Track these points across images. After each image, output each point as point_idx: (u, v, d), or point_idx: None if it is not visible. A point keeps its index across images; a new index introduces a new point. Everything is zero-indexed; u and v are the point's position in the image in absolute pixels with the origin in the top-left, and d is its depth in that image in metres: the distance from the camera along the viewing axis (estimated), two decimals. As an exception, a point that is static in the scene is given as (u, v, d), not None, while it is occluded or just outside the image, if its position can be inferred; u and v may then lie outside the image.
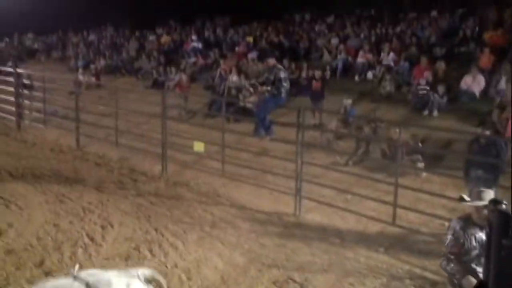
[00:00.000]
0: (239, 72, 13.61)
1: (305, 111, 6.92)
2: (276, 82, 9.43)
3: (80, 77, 15.25)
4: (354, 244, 5.57)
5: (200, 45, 18.75)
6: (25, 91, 11.99)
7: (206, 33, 20.77)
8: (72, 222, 6.14)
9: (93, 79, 16.31)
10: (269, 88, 9.38)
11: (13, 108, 12.04)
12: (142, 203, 6.89)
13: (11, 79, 12.38)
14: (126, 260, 5.15)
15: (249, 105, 10.83)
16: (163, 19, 23.71)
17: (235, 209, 6.76)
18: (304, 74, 13.06)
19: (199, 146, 8.19)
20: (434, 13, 17.00)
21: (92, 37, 24.05)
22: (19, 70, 12.73)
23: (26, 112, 11.91)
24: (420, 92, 10.91)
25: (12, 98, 12.09)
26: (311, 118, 10.15)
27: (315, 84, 11.89)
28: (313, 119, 10.35)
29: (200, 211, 6.67)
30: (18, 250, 5.31)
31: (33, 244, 5.47)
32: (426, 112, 10.57)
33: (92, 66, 18.57)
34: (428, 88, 10.87)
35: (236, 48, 17.47)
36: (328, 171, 7.46)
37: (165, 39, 21.02)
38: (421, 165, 7.93)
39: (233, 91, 12.27)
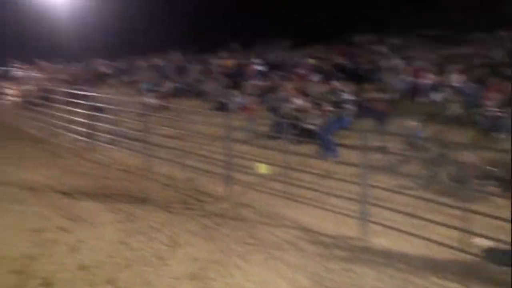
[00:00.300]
0: (302, 94, 13.67)
1: (369, 133, 6.85)
2: (339, 104, 9.43)
3: (148, 100, 15.74)
4: (423, 271, 5.41)
5: (263, 68, 18.99)
6: (96, 113, 12.51)
7: (269, 56, 21.02)
8: (141, 241, 6.31)
9: (159, 101, 16.79)
10: (332, 109, 9.40)
11: (85, 130, 12.59)
12: (208, 224, 6.98)
13: (83, 102, 12.99)
14: (193, 280, 5.23)
15: (312, 127, 10.82)
16: (226, 42, 24.24)
17: (299, 231, 6.73)
18: (367, 96, 12.96)
19: (263, 168, 8.26)
20: (502, 32, 16.54)
21: (158, 61, 24.83)
22: (91, 93, 13.33)
23: (97, 133, 12.40)
24: (490, 113, 10.59)
25: (84, 120, 12.67)
26: (375, 140, 10.02)
27: (379, 106, 11.78)
28: (377, 141, 10.21)
29: (264, 232, 6.69)
30: (90, 267, 5.49)
31: (104, 261, 5.64)
32: (496, 134, 10.24)
33: (159, 89, 19.16)
34: (498, 109, 10.53)
35: (299, 70, 17.57)
36: (394, 194, 7.30)
37: (228, 62, 21.42)
38: (493, 189, 7.65)
39: (296, 113, 12.31)
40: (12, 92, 22.97)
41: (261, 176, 8.54)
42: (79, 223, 6.98)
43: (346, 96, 9.54)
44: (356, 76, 15.36)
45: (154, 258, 5.79)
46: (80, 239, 6.33)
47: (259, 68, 19.05)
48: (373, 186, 6.71)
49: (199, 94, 18.00)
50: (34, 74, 25.73)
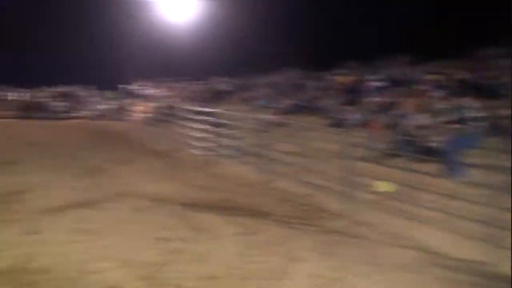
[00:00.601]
0: (424, 110, 13.20)
1: (498, 151, 6.45)
2: (464, 121, 8.98)
3: (265, 116, 16.02)
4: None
5: (381, 84, 18.61)
6: (217, 129, 12.97)
7: (388, 72, 20.54)
8: (260, 255, 6.37)
9: (277, 118, 17.01)
10: (457, 126, 8.96)
11: (206, 145, 13.10)
12: (326, 240, 6.92)
13: (204, 118, 13.54)
14: (309, 297, 5.19)
15: (435, 144, 10.38)
16: (342, 59, 24.08)
17: (421, 253, 6.47)
18: (496, 113, 12.19)
19: (382, 186, 8.05)
20: None
21: (276, 78, 25.20)
22: (211, 110, 13.86)
23: (218, 148, 12.83)
24: None
25: (205, 136, 13.18)
26: (505, 159, 9.38)
27: (509, 123, 11.04)
28: (507, 161, 9.54)
29: (385, 252, 6.50)
30: (213, 277, 5.63)
31: (225, 273, 5.77)
32: None
33: (276, 106, 19.46)
34: None
35: (420, 86, 16.99)
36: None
37: (345, 78, 21.24)
38: None
39: (418, 130, 11.88)
40: (137, 109, 24.48)
41: (381, 194, 8.32)
42: (201, 234, 7.21)
43: (472, 112, 9.05)
44: (482, 92, 14.52)
45: (273, 273, 5.82)
46: (202, 250, 6.52)
47: (377, 84, 18.69)
48: (504, 209, 6.28)
49: (316, 111, 17.99)
50: (158, 92, 27.27)
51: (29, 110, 24.84)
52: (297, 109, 18.90)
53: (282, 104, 19.68)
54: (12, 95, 26.09)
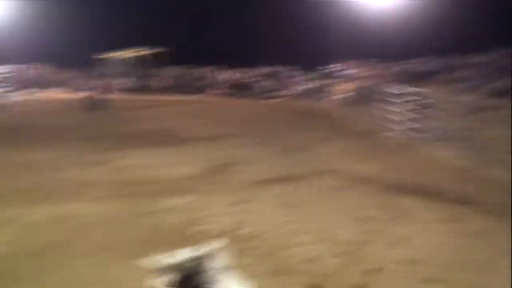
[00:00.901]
0: None
1: None
2: None
3: (472, 98, 15.06)
4: None
5: None
6: (418, 111, 12.56)
7: None
8: (463, 245, 6.13)
9: (485, 100, 15.89)
10: None
11: (407, 126, 12.77)
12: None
13: (404, 99, 13.20)
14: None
15: None
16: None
17: None
18: None
19: None
20: None
21: (485, 58, 23.45)
22: (411, 91, 13.46)
23: (419, 130, 12.43)
24: None
25: (406, 117, 12.85)
26: None
27: None
28: None
29: None
30: (411, 262, 5.55)
31: (424, 259, 5.64)
32: None
33: (484, 87, 18.17)
34: None
35: None
36: None
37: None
38: None
39: None
40: (338, 90, 24.70)
41: None
42: (401, 218, 7.14)
43: None
44: None
45: (480, 265, 5.54)
46: (402, 233, 6.47)
47: None
48: None
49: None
50: (359, 73, 27.13)
51: (237, 89, 26.68)
52: (509, 92, 17.36)
53: (492, 86, 18.24)
54: (224, 75, 28.23)
